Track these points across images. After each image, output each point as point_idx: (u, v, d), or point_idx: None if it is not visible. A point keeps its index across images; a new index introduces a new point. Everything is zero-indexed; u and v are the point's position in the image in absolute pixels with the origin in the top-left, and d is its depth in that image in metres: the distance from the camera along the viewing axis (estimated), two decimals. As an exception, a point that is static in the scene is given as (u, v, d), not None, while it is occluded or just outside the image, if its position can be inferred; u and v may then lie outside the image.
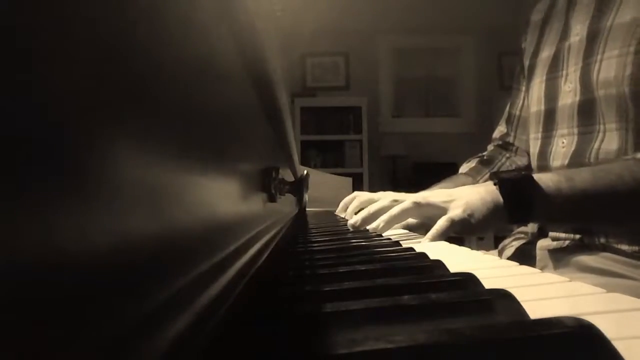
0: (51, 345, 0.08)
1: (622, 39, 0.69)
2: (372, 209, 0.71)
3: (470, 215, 0.62)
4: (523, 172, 0.69)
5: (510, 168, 0.99)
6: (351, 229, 0.72)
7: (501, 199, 0.63)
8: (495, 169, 0.99)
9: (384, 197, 0.73)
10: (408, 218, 0.70)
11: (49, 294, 0.08)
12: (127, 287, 0.12)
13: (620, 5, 0.71)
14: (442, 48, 3.80)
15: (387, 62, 3.76)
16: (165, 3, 0.15)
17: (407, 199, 0.68)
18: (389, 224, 0.67)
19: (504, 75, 3.68)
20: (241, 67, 0.31)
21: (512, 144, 1.01)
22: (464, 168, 1.03)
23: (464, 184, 0.82)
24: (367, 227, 0.70)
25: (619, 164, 0.66)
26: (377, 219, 0.68)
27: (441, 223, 0.62)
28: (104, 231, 0.11)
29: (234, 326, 0.21)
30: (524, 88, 0.97)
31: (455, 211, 0.63)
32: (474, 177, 0.98)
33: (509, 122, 1.02)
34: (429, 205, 0.66)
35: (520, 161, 0.98)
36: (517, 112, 1.00)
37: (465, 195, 0.65)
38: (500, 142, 1.03)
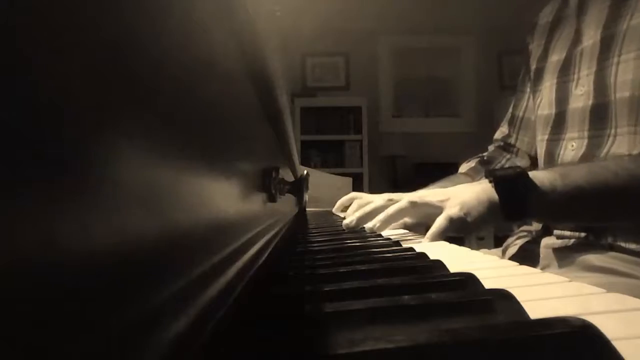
0: (51, 345, 0.08)
1: (638, 41, 0.68)
2: (367, 209, 0.71)
3: (467, 214, 0.62)
4: (518, 170, 0.67)
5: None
6: (346, 229, 0.72)
7: (496, 196, 0.62)
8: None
9: (380, 198, 0.73)
10: (404, 217, 0.70)
11: (49, 294, 0.08)
12: (127, 287, 0.12)
13: (635, 7, 0.70)
14: (442, 48, 3.80)
15: (387, 62, 3.76)
16: (164, 3, 0.15)
17: (403, 198, 0.68)
18: (385, 224, 0.68)
19: (504, 75, 3.68)
20: (241, 68, 0.31)
21: (514, 145, 1.00)
22: (463, 168, 1.04)
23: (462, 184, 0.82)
24: (365, 227, 0.70)
25: (616, 161, 0.66)
26: (372, 218, 0.69)
27: (440, 222, 0.62)
28: (102, 231, 0.11)
29: (234, 326, 0.21)
30: (528, 90, 0.96)
31: (452, 210, 0.63)
32: (473, 177, 0.98)
33: (511, 123, 1.01)
34: (425, 204, 0.67)
35: (520, 162, 0.97)
36: (521, 114, 0.99)
37: (461, 193, 0.65)
38: (501, 143, 1.03)
